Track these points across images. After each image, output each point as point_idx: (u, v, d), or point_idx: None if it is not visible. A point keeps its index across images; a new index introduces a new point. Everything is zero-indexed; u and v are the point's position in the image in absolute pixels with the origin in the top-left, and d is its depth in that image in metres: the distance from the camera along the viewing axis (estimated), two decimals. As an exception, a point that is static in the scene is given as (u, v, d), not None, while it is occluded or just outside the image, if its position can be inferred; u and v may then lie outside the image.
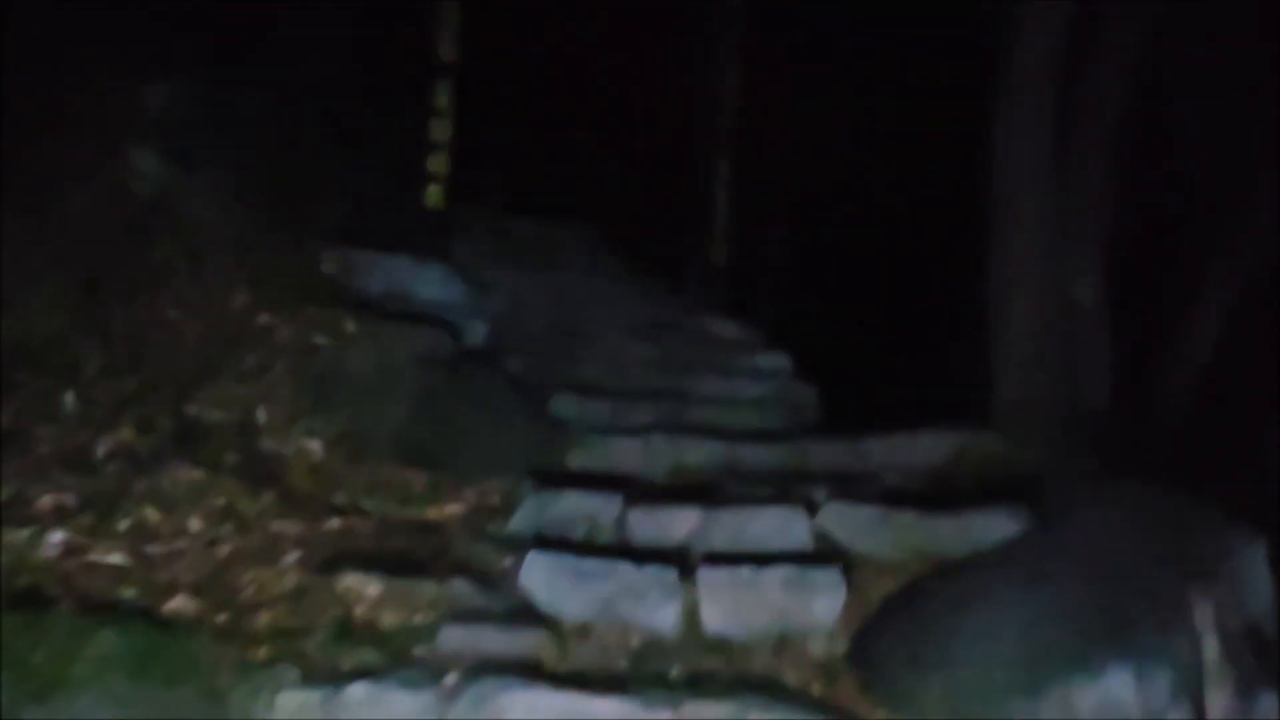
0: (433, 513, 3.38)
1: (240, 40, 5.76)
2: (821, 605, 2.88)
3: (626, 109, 7.53)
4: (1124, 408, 5.33)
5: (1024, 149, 4.93)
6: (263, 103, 5.51)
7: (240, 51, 5.70)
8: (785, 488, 3.61)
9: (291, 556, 2.90)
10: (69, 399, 3.43)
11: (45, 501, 2.94)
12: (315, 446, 3.50)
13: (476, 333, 4.93)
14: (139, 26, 5.17)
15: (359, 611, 2.68)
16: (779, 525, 3.28)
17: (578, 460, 4.05)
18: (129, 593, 2.65)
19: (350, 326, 4.03)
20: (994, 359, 4.99)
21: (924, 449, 4.43)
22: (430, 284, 5.12)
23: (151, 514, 2.95)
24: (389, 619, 2.68)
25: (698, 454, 4.17)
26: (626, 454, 4.10)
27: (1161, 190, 6.23)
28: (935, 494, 3.56)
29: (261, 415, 3.54)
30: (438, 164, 5.34)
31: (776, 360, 5.75)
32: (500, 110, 6.86)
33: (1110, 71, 5.13)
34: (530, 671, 2.47)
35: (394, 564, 2.93)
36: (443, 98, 5.33)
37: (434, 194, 5.35)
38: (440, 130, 5.32)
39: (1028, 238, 4.90)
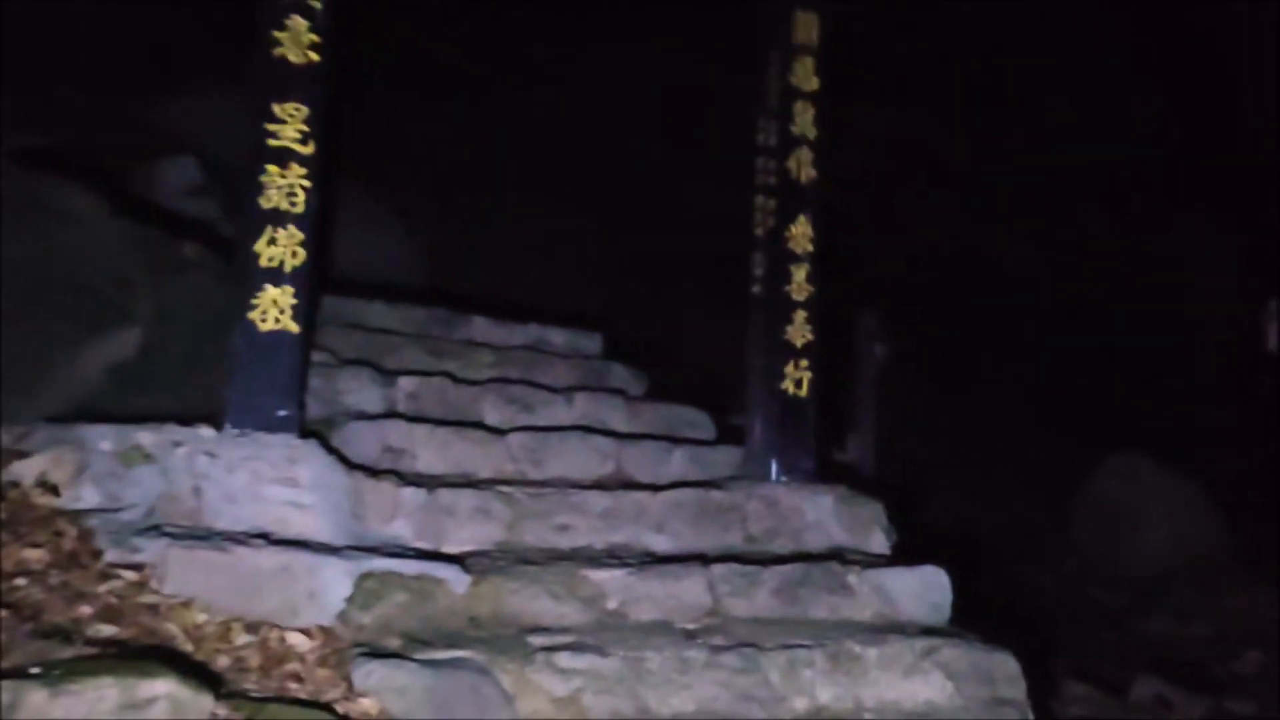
0: None
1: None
2: None
3: (642, 156, 5.00)
4: None
5: None
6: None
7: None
8: None
9: None
10: None
11: None
12: None
13: (322, 605, 2.38)
14: None
15: None
16: None
17: None
18: None
19: None
20: None
21: None
22: (239, 492, 2.61)
23: None
24: None
25: None
26: None
27: None
28: None
29: None
30: (285, 248, 2.81)
31: (920, 583, 3.12)
32: (434, 153, 4.37)
33: None
34: None
35: None
36: (291, 127, 2.81)
37: (269, 304, 2.80)
38: (282, 186, 2.80)
39: None
